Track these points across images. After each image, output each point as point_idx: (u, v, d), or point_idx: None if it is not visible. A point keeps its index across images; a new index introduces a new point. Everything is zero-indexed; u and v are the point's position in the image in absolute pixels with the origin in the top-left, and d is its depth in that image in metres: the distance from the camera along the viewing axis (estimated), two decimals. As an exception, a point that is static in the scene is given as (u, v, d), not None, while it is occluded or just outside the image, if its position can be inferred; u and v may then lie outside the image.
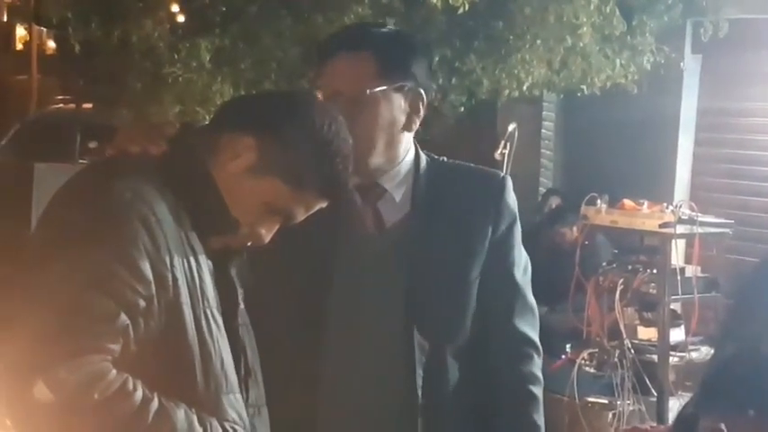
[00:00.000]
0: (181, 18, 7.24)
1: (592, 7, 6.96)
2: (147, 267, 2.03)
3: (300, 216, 2.25)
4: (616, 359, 6.39)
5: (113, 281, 2.00)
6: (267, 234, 2.25)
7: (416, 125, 2.64)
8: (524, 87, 7.43)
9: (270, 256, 2.44)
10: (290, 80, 7.27)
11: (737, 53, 7.87)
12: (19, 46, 23.09)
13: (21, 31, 22.99)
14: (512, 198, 2.71)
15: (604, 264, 6.57)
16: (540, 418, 2.70)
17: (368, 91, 2.54)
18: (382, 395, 2.61)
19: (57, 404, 1.95)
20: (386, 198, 2.64)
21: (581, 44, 7.17)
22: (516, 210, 2.72)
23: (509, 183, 2.72)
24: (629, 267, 6.46)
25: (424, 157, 2.70)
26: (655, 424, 5.73)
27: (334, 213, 2.54)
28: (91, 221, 2.05)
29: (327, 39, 2.78)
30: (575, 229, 7.22)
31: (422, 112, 2.64)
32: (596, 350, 6.51)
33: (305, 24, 7.02)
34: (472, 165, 2.79)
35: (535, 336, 2.73)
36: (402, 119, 2.61)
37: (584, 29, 7.03)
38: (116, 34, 7.17)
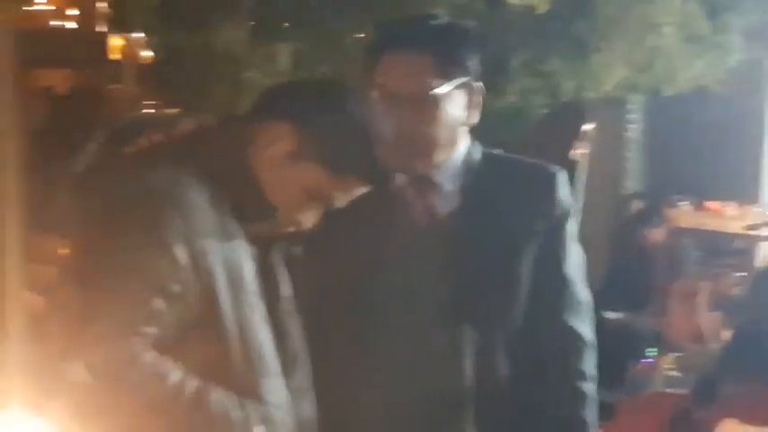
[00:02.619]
0: (259, 22, 7.28)
1: (675, 6, 6.85)
2: (182, 252, 2.06)
3: (340, 201, 2.26)
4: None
5: (148, 265, 2.03)
6: (307, 220, 2.26)
7: (475, 118, 2.63)
8: (606, 88, 7.35)
9: (319, 246, 2.46)
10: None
11: (825, 51, 7.71)
12: (114, 56, 23.47)
13: (117, 41, 23.38)
14: (564, 192, 2.68)
15: (688, 267, 6.49)
16: (589, 415, 2.66)
17: (433, 92, 2.53)
18: (430, 387, 2.59)
19: (93, 386, 2.00)
20: (437, 190, 2.63)
21: (664, 44, 7.06)
22: (570, 204, 2.69)
23: (562, 176, 2.69)
24: (714, 270, 6.38)
25: (477, 150, 2.68)
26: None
27: (384, 204, 2.58)
28: (127, 207, 2.10)
29: (381, 35, 2.71)
30: (659, 231, 7.13)
31: (480, 104, 2.63)
32: (680, 354, 6.42)
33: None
34: (527, 158, 2.77)
35: (586, 330, 2.69)
36: (463, 115, 2.61)
37: (667, 28, 6.92)
38: (197, 40, 7.24)
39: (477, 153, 2.67)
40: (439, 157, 2.60)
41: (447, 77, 2.54)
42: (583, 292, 2.71)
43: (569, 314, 2.67)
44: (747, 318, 1.72)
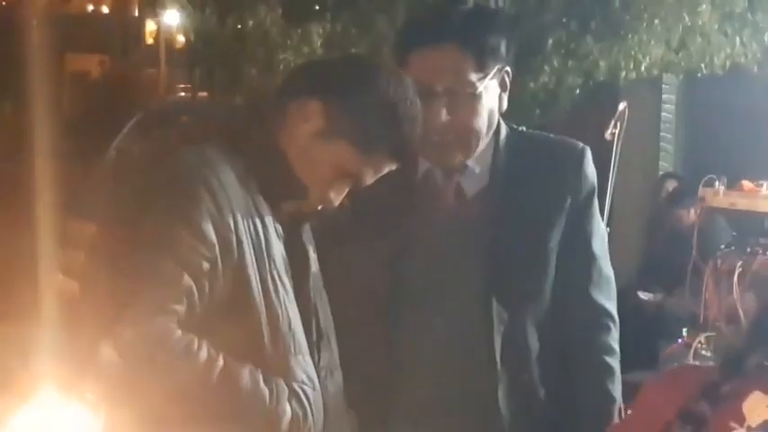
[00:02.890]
0: (291, 4, 7.29)
1: (711, -16, 6.82)
2: (210, 230, 2.05)
3: (370, 179, 2.25)
4: (734, 344, 6.26)
5: (177, 243, 2.03)
6: (337, 197, 2.25)
7: (506, 102, 2.62)
8: (642, 68, 7.30)
9: (351, 227, 2.49)
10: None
11: None
12: (149, 40, 23.61)
13: (151, 26, 23.51)
14: (591, 169, 2.68)
15: (723, 246, 6.43)
16: (615, 390, 2.66)
17: (471, 89, 2.50)
18: (461, 364, 2.59)
19: (123, 365, 2.00)
20: (466, 171, 2.63)
21: (700, 23, 7.01)
22: (595, 180, 2.68)
23: (588, 153, 2.68)
24: (749, 250, 6.30)
25: (504, 128, 2.67)
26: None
27: (413, 185, 2.60)
28: (155, 185, 2.09)
29: (411, 30, 2.63)
30: (692, 211, 7.10)
31: (509, 87, 2.62)
32: (713, 334, 6.38)
33: (419, 9, 6.99)
34: (552, 135, 2.77)
35: (611, 306, 2.70)
36: (498, 101, 2.60)
37: (704, 7, 6.88)
38: (230, 21, 7.26)
39: (504, 131, 2.67)
40: (477, 147, 2.59)
41: (482, 69, 2.52)
42: (607, 268, 2.71)
43: (596, 290, 2.68)
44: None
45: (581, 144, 2.70)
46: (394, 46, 2.64)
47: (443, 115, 2.49)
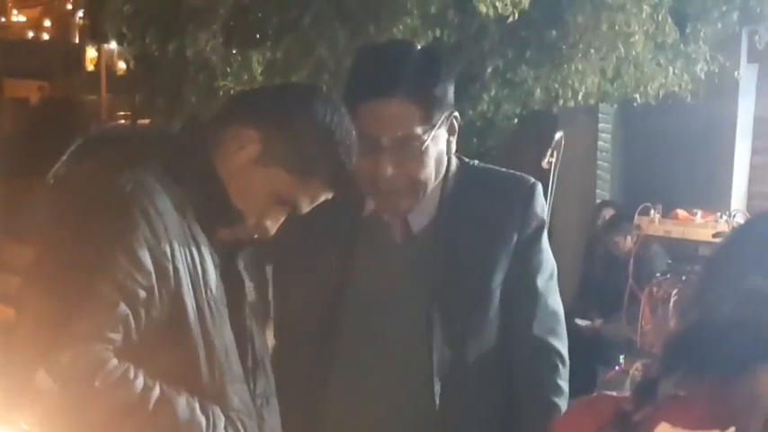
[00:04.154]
0: (233, 31, 7.29)
1: (644, 15, 6.88)
2: (146, 258, 2.04)
3: (306, 207, 2.25)
4: (670, 370, 6.30)
5: (113, 271, 2.01)
6: (273, 226, 2.25)
7: (455, 144, 2.59)
8: (579, 97, 7.38)
9: (296, 262, 2.50)
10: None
11: (794, 61, 7.79)
12: (90, 67, 23.50)
13: (92, 53, 23.42)
14: (540, 204, 2.65)
15: (658, 274, 6.50)
16: None
17: (419, 142, 2.47)
18: (400, 402, 2.58)
19: (58, 392, 1.98)
20: (414, 208, 2.59)
21: (634, 53, 7.10)
22: (544, 215, 2.66)
23: (538, 188, 2.64)
24: (684, 278, 6.37)
25: (454, 161, 2.64)
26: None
27: (358, 221, 2.59)
28: (92, 212, 2.08)
29: (359, 83, 2.55)
30: (629, 239, 7.17)
31: (457, 130, 2.59)
32: (650, 361, 6.42)
33: (358, 35, 7.02)
34: (503, 169, 2.72)
35: (558, 343, 2.65)
36: (446, 147, 2.57)
37: (637, 37, 6.96)
38: (171, 48, 7.24)
39: (454, 165, 2.63)
40: (425, 194, 2.56)
41: (429, 121, 2.47)
42: (554, 303, 2.68)
43: (540, 327, 2.64)
44: (692, 316, 1.71)
45: (532, 179, 2.66)
46: (343, 97, 2.52)
47: (390, 169, 2.47)
